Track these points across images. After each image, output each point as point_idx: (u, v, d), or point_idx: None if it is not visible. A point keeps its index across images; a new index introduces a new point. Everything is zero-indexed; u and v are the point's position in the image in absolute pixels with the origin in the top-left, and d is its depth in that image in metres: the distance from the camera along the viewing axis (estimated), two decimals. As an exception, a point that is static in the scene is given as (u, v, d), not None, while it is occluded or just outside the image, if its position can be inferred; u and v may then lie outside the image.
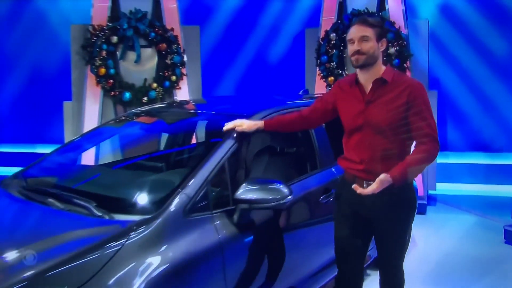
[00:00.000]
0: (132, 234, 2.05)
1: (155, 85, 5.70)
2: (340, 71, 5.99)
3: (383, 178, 2.36)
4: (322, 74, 6.09)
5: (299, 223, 2.97)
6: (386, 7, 5.99)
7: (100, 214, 2.26)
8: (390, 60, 5.76)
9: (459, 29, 7.45)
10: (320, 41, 6.13)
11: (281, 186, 2.41)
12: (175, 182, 2.46)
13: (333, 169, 3.31)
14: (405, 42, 5.80)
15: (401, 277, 2.74)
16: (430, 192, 6.31)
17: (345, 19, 5.97)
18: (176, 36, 5.76)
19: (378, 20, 2.56)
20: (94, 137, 3.58)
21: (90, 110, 5.62)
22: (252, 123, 2.67)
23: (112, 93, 5.57)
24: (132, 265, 1.96)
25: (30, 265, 1.89)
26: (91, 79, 5.59)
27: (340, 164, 2.67)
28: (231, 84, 8.16)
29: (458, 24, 7.45)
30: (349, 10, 6.06)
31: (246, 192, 2.38)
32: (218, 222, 2.35)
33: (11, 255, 1.99)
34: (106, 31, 5.54)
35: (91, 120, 5.60)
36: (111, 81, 5.54)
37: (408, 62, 5.82)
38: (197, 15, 7.59)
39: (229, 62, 8.18)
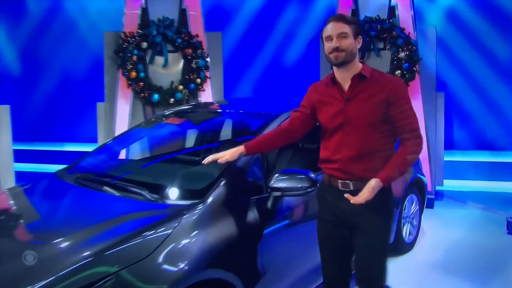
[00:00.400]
0: (185, 216, 2.31)
1: (181, 87, 5.91)
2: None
3: (374, 184, 2.25)
4: (336, 77, 6.27)
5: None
6: (396, 13, 6.09)
7: (153, 199, 2.52)
8: (400, 64, 5.91)
9: (465, 35, 7.53)
10: None
11: (309, 175, 2.65)
12: (214, 173, 2.71)
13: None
14: (414, 47, 5.90)
15: None
16: (438, 188, 6.44)
17: None
18: (200, 42, 5.98)
19: (354, 17, 2.49)
20: (135, 135, 3.85)
21: (121, 110, 5.86)
22: (233, 150, 2.49)
23: (142, 94, 5.80)
24: (186, 241, 2.22)
25: (98, 242, 2.13)
26: (122, 82, 5.83)
27: (319, 166, 2.54)
28: (249, 86, 8.33)
29: (464, 29, 7.52)
30: (362, 17, 6.17)
31: (278, 181, 2.64)
32: (254, 208, 2.60)
33: (79, 235, 2.23)
34: (137, 38, 5.77)
35: (122, 119, 5.85)
36: (141, 83, 5.77)
37: (417, 66, 5.92)
38: (218, 22, 7.79)
39: (247, 65, 8.34)
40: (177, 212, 2.32)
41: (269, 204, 2.66)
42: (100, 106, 5.99)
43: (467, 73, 7.58)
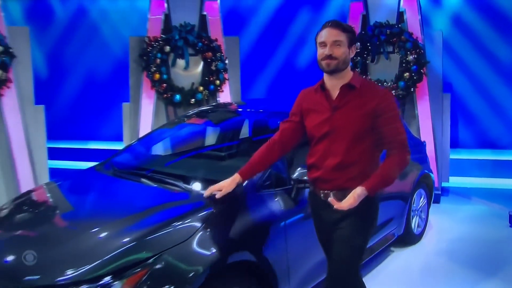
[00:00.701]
0: (218, 205, 2.52)
1: (201, 88, 6.15)
2: (363, 76, 6.34)
3: (360, 191, 2.22)
4: (347, 79, 6.46)
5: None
6: (405, 18, 6.30)
7: (189, 189, 2.74)
8: (408, 66, 6.09)
9: (470, 38, 7.75)
10: None
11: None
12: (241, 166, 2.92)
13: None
14: (421, 51, 6.10)
15: None
16: (444, 184, 6.63)
17: (368, 30, 6.33)
18: (219, 46, 6.21)
19: (351, 26, 2.40)
20: (163, 133, 4.07)
21: (145, 110, 6.10)
22: (230, 180, 2.50)
23: (165, 95, 6.04)
24: (220, 226, 2.44)
25: (141, 228, 2.34)
26: (146, 84, 6.07)
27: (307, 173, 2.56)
28: (263, 87, 8.58)
29: (469, 33, 7.75)
30: (372, 22, 6.38)
31: (301, 174, 2.85)
32: (279, 197, 2.83)
33: (123, 221, 2.44)
34: (160, 42, 6.01)
35: (146, 119, 6.10)
36: (164, 85, 6.01)
37: (424, 68, 6.12)
38: (234, 26, 8.01)
39: (261, 67, 8.58)
40: (211, 201, 2.53)
41: (293, 194, 2.88)
42: (126, 106, 6.23)
43: (472, 75, 7.80)
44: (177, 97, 6.06)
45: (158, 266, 2.14)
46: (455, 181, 6.97)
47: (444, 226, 5.23)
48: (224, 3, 6.74)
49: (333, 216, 2.36)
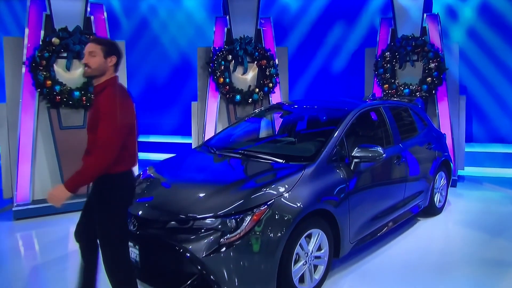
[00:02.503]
0: (305, 171, 3.44)
1: (257, 90, 7.08)
2: (393, 80, 7.17)
3: (57, 188, 2.46)
4: (378, 83, 7.30)
5: (386, 172, 4.31)
6: (427, 32, 7.06)
7: (282, 161, 3.66)
8: (430, 72, 6.88)
9: (483, 48, 8.32)
10: (377, 58, 7.32)
11: (379, 148, 3.76)
12: (311, 148, 3.83)
13: (400, 145, 4.61)
14: (441, 59, 6.87)
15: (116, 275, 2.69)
16: (460, 172, 7.35)
17: (397, 42, 7.15)
18: (272, 55, 7.14)
19: (108, 40, 2.70)
20: (240, 125, 4.99)
21: (211, 108, 7.05)
22: None
23: (227, 96, 6.99)
24: (306, 185, 3.35)
25: (261, 183, 3.27)
26: (211, 86, 7.03)
27: None
28: (302, 90, 9.42)
29: (482, 44, 8.32)
30: (399, 35, 7.19)
31: (357, 152, 3.75)
32: (342, 168, 3.72)
33: (246, 180, 3.44)
34: (224, 52, 6.96)
35: (211, 115, 7.05)
36: (227, 87, 6.96)
37: (444, 74, 6.90)
38: (280, 37, 8.87)
39: (300, 73, 9.42)
40: (301, 168, 3.45)
41: (352, 167, 3.77)
42: (194, 105, 7.19)
43: (485, 80, 8.39)
44: (238, 97, 7.01)
45: (274, 207, 3.05)
46: (470, 170, 7.69)
47: (460, 203, 6.03)
48: (272, 16, 7.60)
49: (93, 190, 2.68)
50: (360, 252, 4.21)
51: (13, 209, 5.41)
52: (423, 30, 7.12)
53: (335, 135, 3.84)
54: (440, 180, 5.49)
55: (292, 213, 3.09)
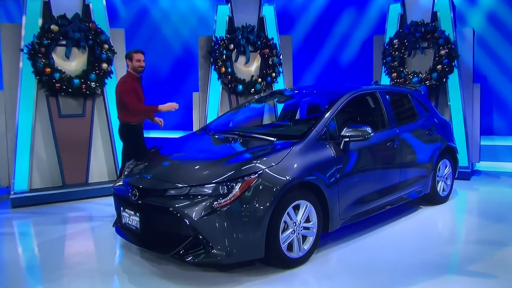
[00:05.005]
0: (294, 147, 4.24)
1: (259, 80, 7.91)
2: (401, 69, 7.90)
3: None
4: (387, 71, 8.05)
5: (378, 154, 5.01)
6: (438, 17, 7.76)
7: (273, 139, 4.48)
8: (441, 60, 7.59)
9: (503, 33, 8.97)
10: (385, 46, 8.04)
11: (368, 128, 4.53)
12: (303, 129, 4.63)
13: (396, 130, 5.37)
14: (453, 46, 7.56)
15: None
16: (476, 166, 8.00)
17: (406, 28, 7.88)
18: (275, 44, 7.98)
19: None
20: (243, 109, 5.84)
21: (213, 99, 7.90)
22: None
23: (230, 86, 7.84)
24: (294, 159, 4.14)
25: (253, 155, 4.03)
26: (213, 76, 7.88)
27: None
28: (310, 80, 10.21)
29: (502, 29, 8.95)
30: (409, 21, 7.90)
31: (347, 131, 4.52)
32: (332, 147, 4.50)
33: (239, 153, 4.22)
34: (226, 41, 7.82)
35: (212, 106, 7.90)
36: (229, 77, 7.81)
37: (456, 61, 7.58)
38: (285, 26, 9.70)
39: (308, 63, 10.21)
40: (290, 144, 4.25)
41: (341, 146, 4.55)
42: (196, 95, 8.05)
43: (505, 67, 8.99)
44: (240, 87, 7.85)
45: (263, 176, 3.81)
46: (488, 165, 8.29)
47: (468, 195, 6.69)
48: (277, 4, 8.42)
49: None
50: (352, 230, 4.95)
51: (11, 197, 6.27)
52: (434, 16, 7.79)
53: (325, 116, 4.60)
54: (444, 168, 6.17)
55: (280, 183, 3.87)
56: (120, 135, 5.61)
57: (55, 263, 4.38)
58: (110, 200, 4.96)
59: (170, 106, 5.47)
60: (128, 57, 5.51)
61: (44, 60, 6.37)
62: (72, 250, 4.76)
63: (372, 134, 4.53)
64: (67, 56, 6.58)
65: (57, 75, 6.42)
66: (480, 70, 9.06)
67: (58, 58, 6.57)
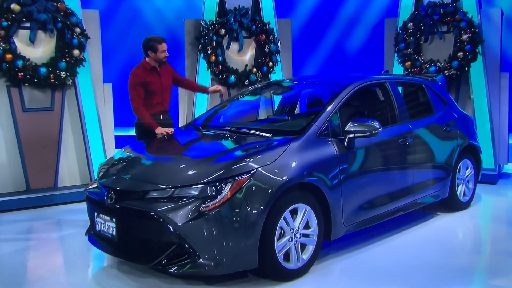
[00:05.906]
0: (291, 144, 4.36)
1: (254, 70, 8.04)
2: (416, 57, 8.00)
3: None
4: (400, 60, 8.13)
5: (388, 153, 5.13)
6: None
7: (268, 135, 4.61)
8: (463, 46, 7.65)
9: None
10: (398, 30, 8.13)
11: (375, 123, 4.65)
12: (302, 123, 4.76)
13: (409, 125, 5.51)
14: (476, 30, 7.61)
15: None
16: (505, 168, 8.10)
17: (422, 10, 7.95)
18: (272, 29, 8.11)
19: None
20: (242, 101, 5.99)
21: (201, 91, 8.02)
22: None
23: (220, 76, 7.96)
24: (292, 158, 4.26)
25: (246, 153, 4.15)
26: (202, 65, 8.01)
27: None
28: (314, 69, 10.34)
29: None
30: (426, 1, 7.99)
31: (351, 126, 4.64)
32: (334, 144, 4.63)
33: (231, 150, 4.37)
34: (216, 25, 7.94)
35: (201, 99, 8.01)
36: (220, 66, 7.93)
37: (480, 47, 7.64)
38: (286, 9, 9.80)
39: (313, 50, 10.33)
40: (287, 141, 4.36)
41: (345, 143, 4.67)
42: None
43: None
44: (232, 78, 7.97)
45: (256, 176, 3.90)
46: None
47: (493, 201, 6.80)
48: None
49: None
50: (358, 239, 5.06)
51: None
52: (455, -5, 7.82)
53: (327, 110, 4.70)
54: (465, 170, 6.26)
55: (275, 184, 3.97)
56: (137, 135, 5.80)
57: (16, 278, 4.42)
58: (83, 206, 5.00)
59: (166, 131, 5.41)
60: (152, 48, 5.62)
61: (4, 45, 6.42)
62: (37, 263, 4.83)
63: (380, 129, 4.64)
64: (32, 40, 6.66)
65: (19, 63, 6.48)
66: (508, 58, 9.10)
67: (21, 43, 6.62)
